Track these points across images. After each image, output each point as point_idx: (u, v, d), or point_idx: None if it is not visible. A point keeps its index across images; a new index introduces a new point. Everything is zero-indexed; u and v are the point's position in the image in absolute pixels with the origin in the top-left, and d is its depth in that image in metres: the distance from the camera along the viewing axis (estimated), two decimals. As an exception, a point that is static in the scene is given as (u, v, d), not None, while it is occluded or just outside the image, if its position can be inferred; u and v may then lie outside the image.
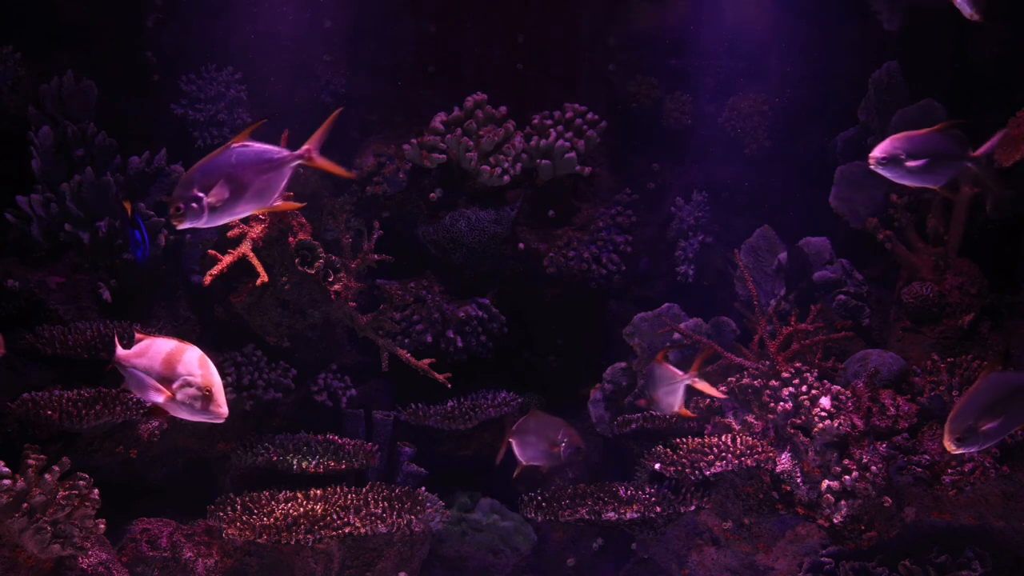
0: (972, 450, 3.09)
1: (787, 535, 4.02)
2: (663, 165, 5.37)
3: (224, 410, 2.64)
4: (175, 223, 2.63)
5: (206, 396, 2.61)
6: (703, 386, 3.77)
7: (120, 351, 2.72)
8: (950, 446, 3.00)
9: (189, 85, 5.00)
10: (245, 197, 2.65)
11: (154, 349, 2.68)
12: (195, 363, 2.63)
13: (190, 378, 2.62)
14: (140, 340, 2.76)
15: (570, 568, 4.45)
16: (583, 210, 5.13)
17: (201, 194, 2.60)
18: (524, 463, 4.03)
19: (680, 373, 3.79)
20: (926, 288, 4.34)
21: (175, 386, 2.62)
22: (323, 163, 2.75)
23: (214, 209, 2.62)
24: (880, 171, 3.15)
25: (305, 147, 2.73)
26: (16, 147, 4.38)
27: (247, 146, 2.68)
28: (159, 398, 2.65)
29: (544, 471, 4.34)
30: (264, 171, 2.68)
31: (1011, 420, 3.02)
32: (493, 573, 4.38)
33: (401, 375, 4.47)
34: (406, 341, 4.65)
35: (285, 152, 2.71)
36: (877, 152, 3.15)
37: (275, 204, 2.73)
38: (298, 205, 2.94)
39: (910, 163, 3.08)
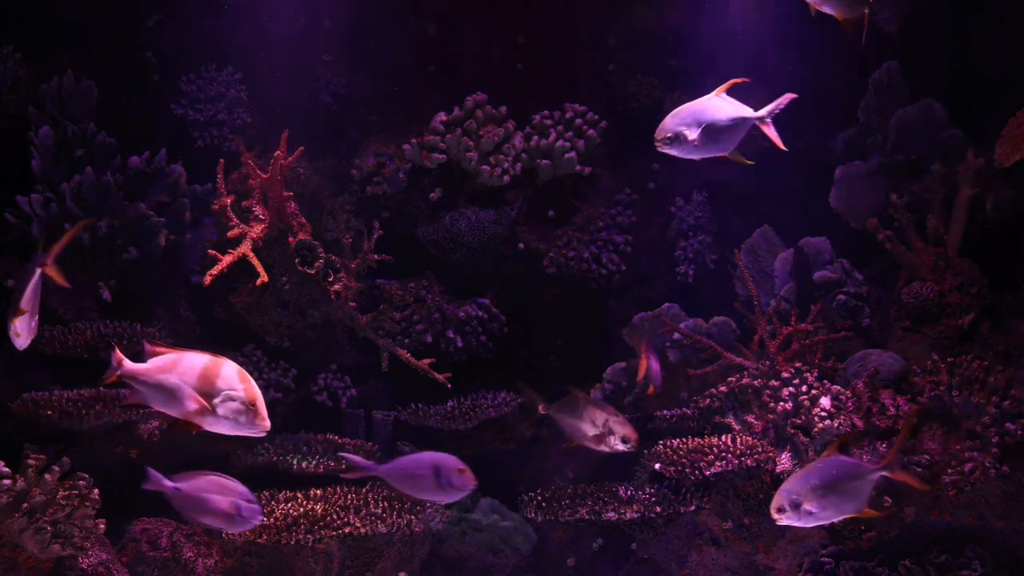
0: (792, 523, 3.06)
1: (787, 535, 4.02)
2: (663, 165, 5.36)
3: (268, 423, 2.62)
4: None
5: (251, 410, 2.59)
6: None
7: (131, 365, 2.63)
8: (772, 512, 3.03)
9: (189, 85, 5.00)
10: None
11: (185, 363, 2.61)
12: (235, 377, 2.59)
13: (232, 392, 2.58)
14: (157, 352, 2.66)
15: (570, 568, 4.45)
16: (583, 210, 5.13)
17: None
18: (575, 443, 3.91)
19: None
20: (926, 288, 4.34)
21: (216, 401, 2.59)
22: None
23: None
24: (666, 151, 3.02)
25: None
26: (16, 147, 4.38)
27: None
28: (197, 413, 2.60)
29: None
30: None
31: (836, 509, 3.02)
32: (493, 573, 4.38)
33: (401, 375, 4.47)
34: (406, 341, 4.65)
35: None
36: (657, 135, 3.02)
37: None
38: None
39: (691, 135, 2.94)
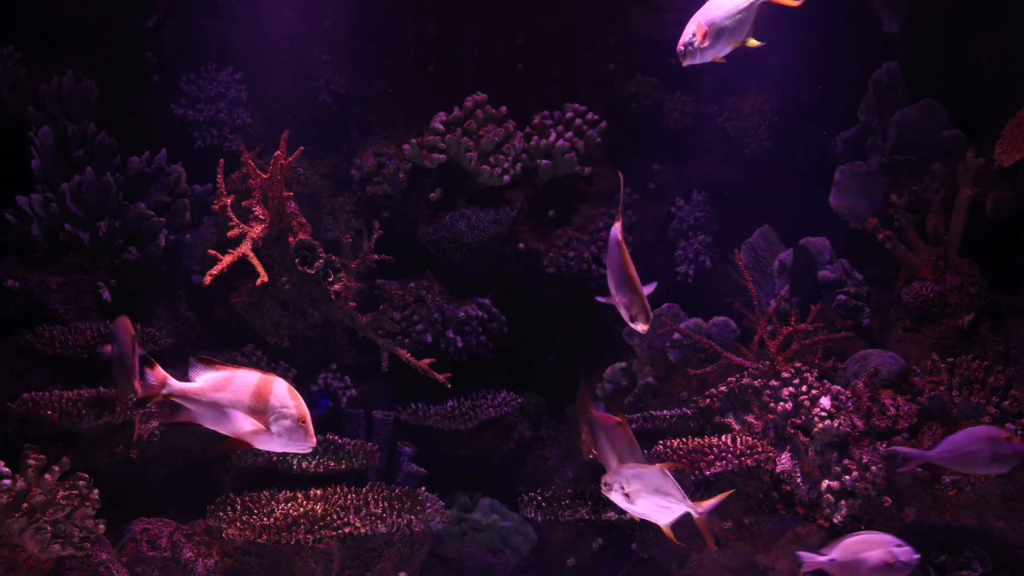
0: (615, 500, 3.05)
1: (787, 535, 4.01)
2: (663, 165, 5.37)
3: (314, 440, 2.62)
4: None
5: (302, 427, 2.58)
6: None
7: (180, 385, 2.60)
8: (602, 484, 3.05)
9: (189, 85, 5.00)
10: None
11: (238, 382, 2.59)
12: (287, 395, 2.58)
13: (285, 410, 2.57)
14: (205, 368, 2.63)
15: (570, 568, 4.45)
16: (583, 210, 5.13)
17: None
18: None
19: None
20: (926, 288, 4.34)
21: (269, 419, 2.57)
22: None
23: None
24: (690, 63, 3.00)
25: None
26: (16, 147, 4.38)
27: None
28: (251, 433, 2.59)
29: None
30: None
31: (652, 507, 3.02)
32: (493, 573, 4.38)
33: (401, 375, 4.47)
34: (406, 341, 4.65)
35: None
36: (679, 55, 3.02)
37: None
38: None
39: (699, 40, 2.94)
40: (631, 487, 3.03)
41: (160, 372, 2.59)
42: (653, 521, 3.08)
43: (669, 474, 2.99)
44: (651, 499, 3.01)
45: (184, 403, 2.61)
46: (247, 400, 2.57)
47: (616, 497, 3.07)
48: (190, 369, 2.61)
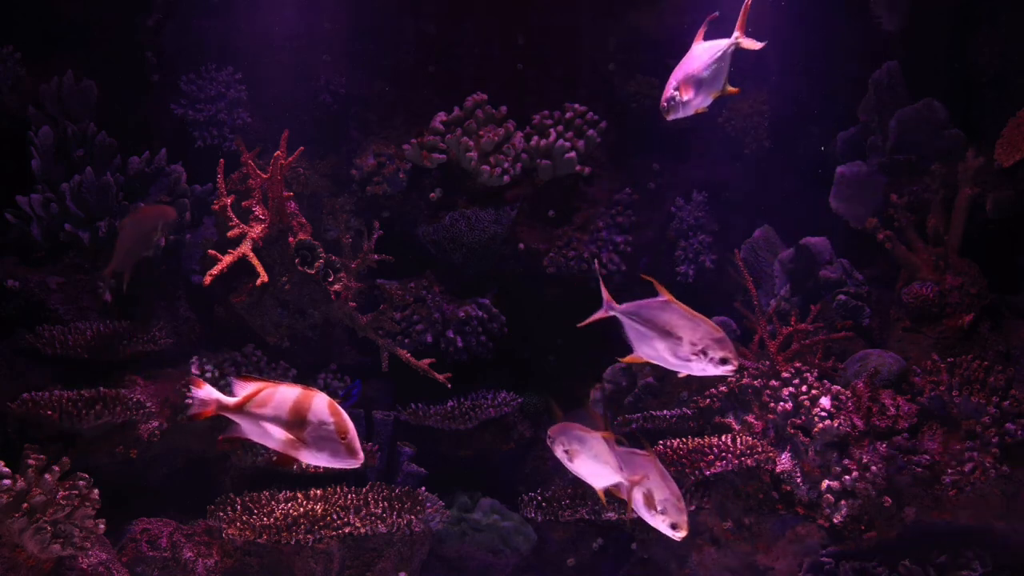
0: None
1: (787, 535, 4.02)
2: (663, 165, 5.37)
3: (362, 455, 2.62)
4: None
5: (344, 442, 2.59)
6: None
7: (227, 400, 2.63)
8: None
9: (189, 85, 5.00)
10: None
11: (278, 398, 2.61)
12: (326, 410, 2.59)
13: (324, 427, 2.58)
14: (245, 385, 2.65)
15: (570, 568, 4.45)
16: (583, 210, 5.13)
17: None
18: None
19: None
20: (926, 288, 4.34)
21: (307, 433, 2.58)
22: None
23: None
24: (673, 117, 3.15)
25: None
26: (16, 147, 4.38)
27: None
28: (292, 448, 2.60)
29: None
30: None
31: None
32: (493, 573, 4.38)
33: (401, 375, 4.47)
34: (406, 341, 4.65)
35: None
36: (661, 112, 3.15)
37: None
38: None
39: (682, 94, 3.08)
40: (572, 447, 3.26)
41: (209, 389, 2.63)
42: (588, 483, 3.31)
43: (612, 444, 3.19)
44: (589, 463, 3.24)
45: (232, 418, 2.64)
46: (286, 416, 2.59)
47: (558, 452, 3.28)
48: (233, 385, 2.64)
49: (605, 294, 3.21)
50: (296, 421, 2.58)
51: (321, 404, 2.59)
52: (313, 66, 5.19)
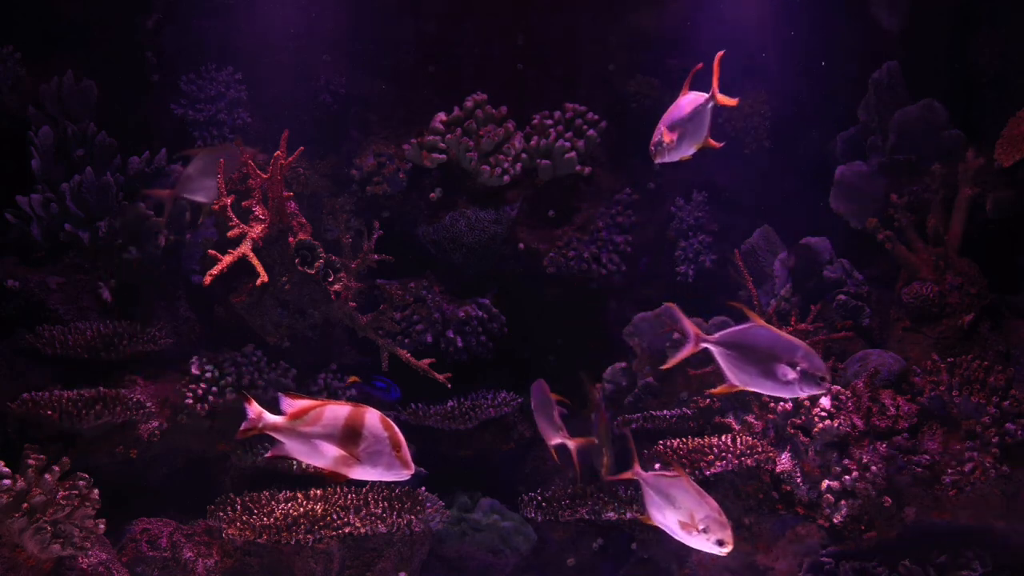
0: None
1: (787, 535, 4.02)
2: (663, 165, 5.36)
3: (412, 468, 2.63)
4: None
5: (398, 457, 2.60)
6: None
7: (273, 419, 2.63)
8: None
9: (189, 85, 5.00)
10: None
11: (329, 415, 2.62)
12: (379, 425, 2.60)
13: (378, 443, 2.59)
14: (294, 402, 2.66)
15: (570, 568, 4.45)
16: (583, 210, 5.13)
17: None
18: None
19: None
20: (926, 288, 4.34)
21: (361, 449, 2.59)
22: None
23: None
24: (661, 161, 3.33)
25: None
26: (16, 147, 4.38)
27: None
28: (345, 465, 2.61)
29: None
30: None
31: None
32: (493, 573, 4.38)
33: (401, 375, 4.47)
34: (406, 341, 4.65)
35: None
36: (651, 154, 3.34)
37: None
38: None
39: (667, 139, 3.25)
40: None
41: (256, 408, 2.64)
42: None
43: (557, 411, 3.79)
44: (540, 420, 3.87)
45: (278, 436, 2.64)
46: (339, 433, 2.60)
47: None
48: (281, 403, 2.65)
49: (691, 327, 3.30)
50: (350, 437, 2.59)
51: (374, 419, 2.61)
52: (313, 66, 5.19)
